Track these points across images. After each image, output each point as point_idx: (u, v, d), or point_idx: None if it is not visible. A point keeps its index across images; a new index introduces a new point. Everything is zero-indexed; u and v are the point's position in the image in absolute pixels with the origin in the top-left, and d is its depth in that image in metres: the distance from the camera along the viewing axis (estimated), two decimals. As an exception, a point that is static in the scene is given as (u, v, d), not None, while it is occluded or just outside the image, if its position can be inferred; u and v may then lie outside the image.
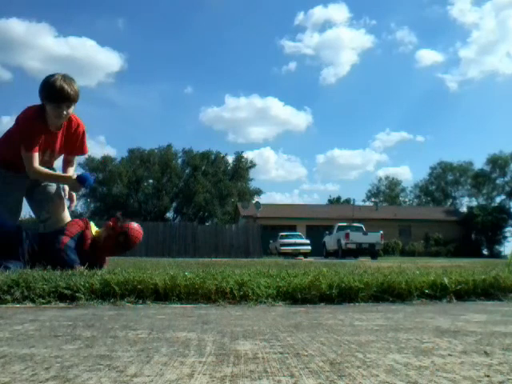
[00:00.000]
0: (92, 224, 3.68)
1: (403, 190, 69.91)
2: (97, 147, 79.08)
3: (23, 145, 3.42)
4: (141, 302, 2.14)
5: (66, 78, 3.37)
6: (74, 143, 3.68)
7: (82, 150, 3.77)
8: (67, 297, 2.14)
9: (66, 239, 3.31)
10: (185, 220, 50.66)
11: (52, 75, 3.36)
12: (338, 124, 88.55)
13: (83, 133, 3.68)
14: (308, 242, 26.02)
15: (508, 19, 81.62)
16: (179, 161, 58.79)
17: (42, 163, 3.55)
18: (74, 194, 3.88)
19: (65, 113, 3.40)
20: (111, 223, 3.56)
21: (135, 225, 3.56)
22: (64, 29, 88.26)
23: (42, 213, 3.73)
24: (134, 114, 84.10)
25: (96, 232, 3.63)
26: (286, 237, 26.96)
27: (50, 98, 3.35)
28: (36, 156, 3.47)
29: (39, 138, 3.47)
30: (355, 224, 27.17)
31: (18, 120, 3.46)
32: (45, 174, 3.59)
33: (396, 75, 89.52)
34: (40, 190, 3.74)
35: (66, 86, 3.31)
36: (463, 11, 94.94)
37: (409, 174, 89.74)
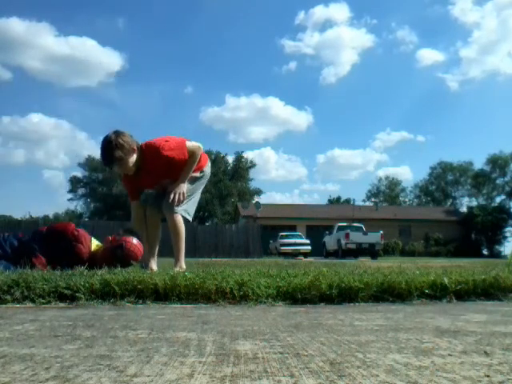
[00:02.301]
0: (93, 239, 3.65)
1: (403, 190, 69.94)
2: (97, 147, 78.94)
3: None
4: (141, 302, 2.14)
5: (107, 141, 3.50)
6: (166, 166, 3.65)
7: (178, 158, 3.65)
8: (67, 297, 2.14)
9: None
10: (185, 220, 50.50)
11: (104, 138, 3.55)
12: (338, 124, 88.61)
13: (162, 154, 3.57)
14: (308, 241, 26.01)
15: (509, 19, 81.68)
16: (179, 161, 58.67)
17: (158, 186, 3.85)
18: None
19: (120, 170, 3.64)
20: (110, 238, 3.54)
21: (134, 240, 3.49)
22: (64, 28, 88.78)
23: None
24: (134, 114, 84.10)
25: (96, 246, 3.62)
26: (286, 237, 26.94)
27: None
28: (132, 204, 3.92)
29: (129, 189, 3.88)
30: (355, 224, 27.16)
31: None
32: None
33: (397, 75, 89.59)
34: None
35: (102, 152, 3.54)
36: (464, 11, 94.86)
37: (409, 174, 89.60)
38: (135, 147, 3.56)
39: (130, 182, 3.82)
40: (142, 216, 3.90)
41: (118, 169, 3.60)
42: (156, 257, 3.85)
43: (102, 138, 3.59)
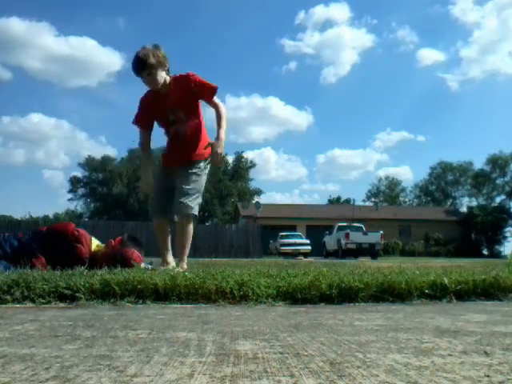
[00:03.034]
0: (93, 239, 3.65)
1: (403, 190, 69.99)
2: (97, 147, 79.17)
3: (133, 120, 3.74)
4: (141, 302, 2.14)
5: (143, 48, 3.43)
6: (196, 93, 3.56)
7: (207, 92, 3.58)
8: (67, 297, 2.14)
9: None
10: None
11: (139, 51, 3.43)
12: (338, 124, 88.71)
13: (194, 80, 3.53)
14: (308, 241, 26.02)
15: (510, 18, 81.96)
16: (179, 161, 58.71)
17: (172, 124, 3.65)
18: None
19: (148, 80, 3.47)
20: (113, 242, 3.53)
21: (135, 254, 3.45)
22: (64, 28, 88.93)
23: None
24: (134, 114, 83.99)
25: (97, 246, 3.61)
26: (286, 237, 26.95)
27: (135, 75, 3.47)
28: (141, 132, 3.71)
29: (143, 112, 3.68)
30: (355, 224, 27.17)
31: None
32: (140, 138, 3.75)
33: (397, 75, 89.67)
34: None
35: (135, 57, 3.41)
36: (465, 10, 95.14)
37: (409, 174, 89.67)
38: (167, 66, 3.52)
39: (148, 106, 3.67)
40: (148, 145, 3.78)
41: (146, 78, 3.45)
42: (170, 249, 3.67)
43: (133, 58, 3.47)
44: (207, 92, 3.59)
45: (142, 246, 3.70)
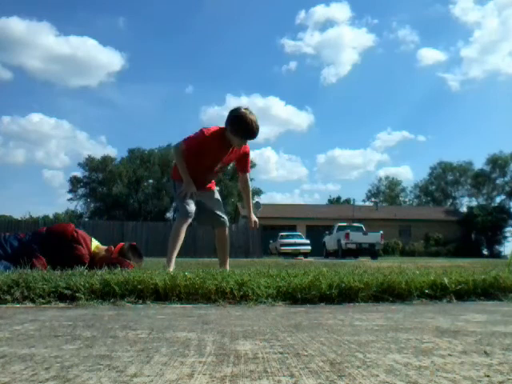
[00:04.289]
0: (93, 239, 3.65)
1: (403, 189, 69.98)
2: (97, 147, 79.21)
3: (185, 139, 3.96)
4: (141, 302, 2.14)
5: (254, 116, 3.83)
6: (240, 161, 4.22)
7: (245, 168, 4.27)
8: (67, 297, 2.14)
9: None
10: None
11: (244, 113, 3.80)
12: (339, 123, 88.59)
13: (247, 154, 4.17)
14: (308, 242, 26.01)
15: (510, 18, 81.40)
16: (179, 161, 58.72)
17: (212, 170, 4.14)
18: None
19: (243, 145, 3.98)
20: (113, 249, 3.52)
21: (131, 266, 3.40)
22: (65, 28, 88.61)
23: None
24: (134, 114, 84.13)
25: (96, 247, 3.60)
26: (286, 237, 26.95)
27: (240, 134, 3.83)
28: (183, 150, 3.94)
29: (202, 145, 3.91)
30: (355, 224, 27.16)
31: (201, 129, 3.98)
32: (179, 162, 4.01)
33: (397, 75, 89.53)
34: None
35: (255, 128, 3.83)
36: (465, 10, 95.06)
37: (410, 174, 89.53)
38: None
39: (207, 144, 3.90)
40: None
41: (244, 144, 3.95)
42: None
43: (249, 126, 3.81)
44: (245, 168, 4.28)
45: (142, 257, 3.70)
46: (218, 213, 4.28)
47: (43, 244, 3.41)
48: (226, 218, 4.36)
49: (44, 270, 2.91)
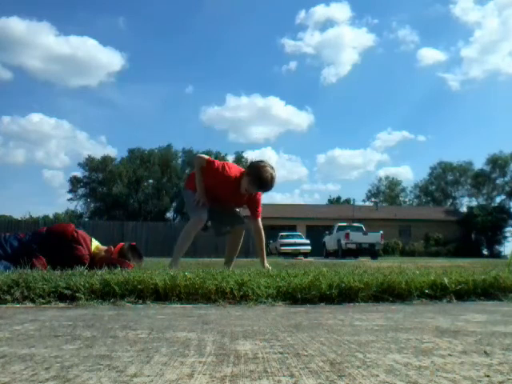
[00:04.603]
0: (93, 240, 3.64)
1: (403, 189, 69.95)
2: (97, 147, 79.17)
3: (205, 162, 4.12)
4: (141, 302, 2.14)
5: (274, 172, 4.05)
6: (251, 207, 4.33)
7: (254, 213, 4.35)
8: (67, 297, 2.14)
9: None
10: (185, 220, 50.69)
11: (267, 169, 4.00)
12: (339, 123, 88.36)
13: (258, 200, 4.31)
14: (308, 242, 26.01)
15: (511, 18, 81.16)
16: (179, 161, 58.85)
17: (226, 200, 4.29)
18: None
19: (251, 191, 4.12)
20: (112, 249, 3.52)
21: (130, 268, 3.36)
22: (65, 28, 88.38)
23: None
24: (134, 114, 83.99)
25: (96, 248, 3.60)
26: (286, 237, 26.95)
27: (258, 185, 4.05)
28: (203, 162, 4.11)
29: (219, 171, 4.06)
30: (355, 224, 27.17)
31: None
32: (197, 171, 4.15)
33: (397, 74, 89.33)
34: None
35: (272, 184, 4.06)
36: (466, 10, 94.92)
37: (410, 174, 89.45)
38: None
39: (224, 179, 4.07)
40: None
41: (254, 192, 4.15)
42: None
43: (268, 182, 4.04)
44: (254, 213, 4.35)
45: (142, 258, 3.70)
46: (238, 212, 4.46)
47: (43, 244, 3.41)
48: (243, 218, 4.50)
49: (44, 270, 2.91)
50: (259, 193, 4.26)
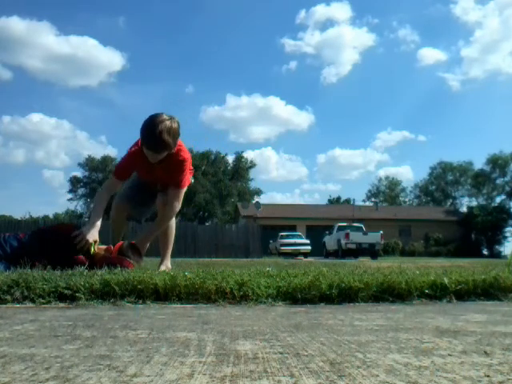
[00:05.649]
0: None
1: (403, 189, 69.99)
2: (97, 147, 79.20)
3: (113, 170, 3.56)
4: (141, 302, 2.14)
5: (164, 126, 3.16)
6: (172, 176, 3.59)
7: (176, 183, 3.60)
8: (67, 297, 2.14)
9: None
10: (185, 220, 50.68)
11: (154, 119, 3.20)
12: (339, 123, 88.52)
13: (182, 166, 3.53)
14: (308, 242, 26.03)
15: (511, 18, 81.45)
16: (179, 161, 58.72)
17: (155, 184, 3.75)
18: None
19: (157, 158, 3.33)
20: (112, 248, 3.52)
21: (130, 265, 3.36)
22: (65, 27, 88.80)
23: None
24: (134, 114, 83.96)
25: (98, 248, 3.60)
26: (286, 237, 26.97)
27: (142, 144, 3.31)
28: (116, 182, 3.53)
29: (129, 169, 3.57)
30: (355, 224, 27.17)
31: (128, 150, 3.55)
32: (97, 198, 3.61)
33: (398, 74, 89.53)
34: None
35: (154, 135, 3.16)
36: (466, 10, 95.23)
37: (410, 174, 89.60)
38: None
39: (137, 165, 3.55)
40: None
41: (156, 157, 3.31)
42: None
43: (148, 134, 3.21)
44: (174, 183, 3.60)
45: (142, 256, 3.70)
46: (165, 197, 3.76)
47: (43, 244, 3.41)
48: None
49: (44, 270, 2.91)
50: (185, 161, 3.52)
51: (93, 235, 3.32)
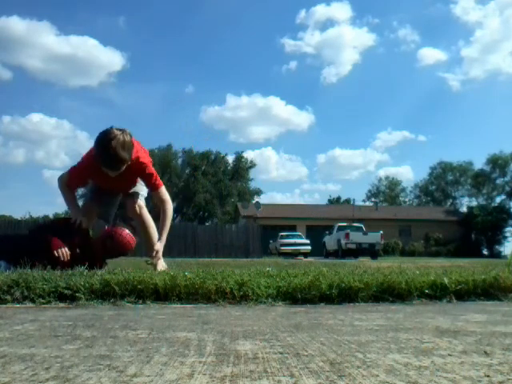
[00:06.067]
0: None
1: (403, 190, 69.96)
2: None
3: (65, 176, 3.56)
4: (141, 302, 2.14)
5: (117, 141, 3.15)
6: (144, 180, 3.66)
7: (153, 186, 3.65)
8: (67, 297, 2.14)
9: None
10: (185, 220, 50.71)
11: (106, 136, 3.19)
12: (339, 123, 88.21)
13: (146, 170, 3.55)
14: (308, 242, 26.02)
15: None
16: (179, 161, 58.84)
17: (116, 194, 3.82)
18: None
19: (116, 173, 3.34)
20: (107, 227, 3.55)
21: (125, 231, 3.44)
22: (65, 27, 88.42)
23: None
24: (134, 114, 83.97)
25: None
26: (286, 237, 26.96)
27: (98, 162, 3.28)
28: (69, 189, 3.61)
29: (82, 181, 3.65)
30: (355, 224, 27.16)
31: (82, 156, 3.56)
32: (64, 195, 3.63)
33: (398, 74, 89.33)
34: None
35: (111, 157, 3.17)
36: (466, 10, 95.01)
37: (410, 174, 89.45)
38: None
39: (93, 177, 3.58)
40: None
41: (115, 172, 3.32)
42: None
43: (104, 153, 3.19)
44: (151, 185, 3.66)
45: (136, 230, 3.70)
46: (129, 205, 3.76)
47: (51, 231, 3.46)
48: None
49: (44, 270, 2.91)
50: (146, 165, 3.52)
51: (84, 217, 3.52)
